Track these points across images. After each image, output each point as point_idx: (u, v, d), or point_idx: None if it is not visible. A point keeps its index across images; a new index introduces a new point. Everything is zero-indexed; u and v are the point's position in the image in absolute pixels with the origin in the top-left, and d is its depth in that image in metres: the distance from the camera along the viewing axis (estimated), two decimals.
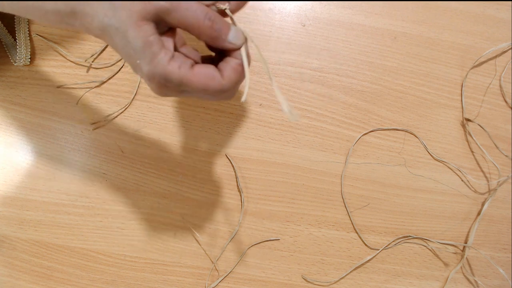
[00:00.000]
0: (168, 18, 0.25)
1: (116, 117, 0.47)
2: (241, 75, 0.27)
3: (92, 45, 0.47)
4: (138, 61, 0.25)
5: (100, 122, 0.46)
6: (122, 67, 0.47)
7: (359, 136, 0.49)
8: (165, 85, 0.26)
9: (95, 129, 0.46)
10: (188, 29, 0.26)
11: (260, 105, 0.48)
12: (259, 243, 0.47)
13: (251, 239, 0.47)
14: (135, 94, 0.47)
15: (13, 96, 0.46)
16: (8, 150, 0.46)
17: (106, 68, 0.47)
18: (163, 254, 0.45)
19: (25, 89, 0.46)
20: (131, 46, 0.25)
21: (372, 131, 0.49)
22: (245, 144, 0.47)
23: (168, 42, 0.26)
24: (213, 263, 0.46)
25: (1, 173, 0.45)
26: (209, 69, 0.26)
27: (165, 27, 0.26)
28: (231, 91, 0.27)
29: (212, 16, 0.26)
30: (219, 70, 0.27)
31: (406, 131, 0.50)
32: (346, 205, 0.48)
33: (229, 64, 0.27)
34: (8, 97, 0.46)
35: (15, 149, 0.46)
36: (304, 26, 0.50)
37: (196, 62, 0.27)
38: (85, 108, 0.46)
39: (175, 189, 0.46)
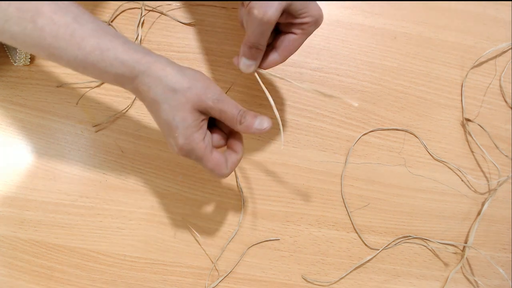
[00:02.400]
0: (211, 112, 0.32)
1: (118, 118, 0.46)
2: (236, 167, 0.36)
3: None
4: (176, 134, 0.31)
5: (102, 124, 0.46)
6: None
7: (359, 136, 0.49)
8: (187, 154, 0.33)
9: (97, 131, 0.46)
10: (225, 121, 0.33)
11: (260, 105, 0.48)
12: (259, 243, 0.47)
13: (251, 239, 0.47)
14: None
15: (13, 96, 0.46)
16: (8, 150, 0.46)
17: None
18: (163, 254, 0.45)
19: (25, 89, 0.46)
20: (176, 123, 0.31)
21: (372, 131, 0.49)
22: (245, 144, 0.47)
23: (205, 123, 0.33)
24: (213, 263, 0.46)
25: (1, 173, 0.45)
26: (221, 158, 0.34)
27: (207, 115, 0.33)
28: (223, 178, 0.36)
29: (244, 113, 0.33)
30: (226, 157, 0.34)
31: (406, 131, 0.50)
32: (346, 205, 0.48)
33: (232, 158, 0.35)
34: (8, 97, 0.46)
35: (15, 149, 0.46)
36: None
37: (217, 146, 0.35)
38: (85, 108, 0.46)
39: (175, 189, 0.46)
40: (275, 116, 0.36)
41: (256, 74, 0.37)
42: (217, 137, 0.36)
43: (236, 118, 0.32)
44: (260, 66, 0.36)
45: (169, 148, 0.33)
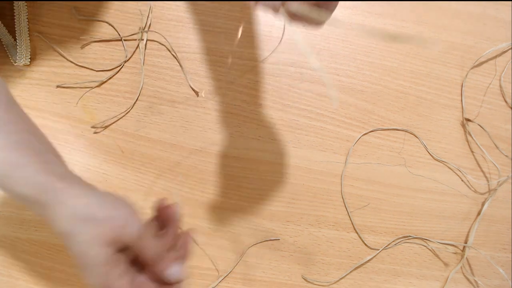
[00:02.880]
0: (129, 246, 0.28)
1: (119, 119, 0.46)
2: None
3: (92, 45, 0.47)
4: (89, 271, 0.27)
5: (100, 123, 0.46)
6: (122, 67, 0.47)
7: (359, 136, 0.49)
8: None
9: (97, 131, 0.46)
10: (143, 257, 0.29)
11: (260, 105, 0.48)
12: (259, 243, 0.47)
13: (251, 239, 0.47)
14: (138, 96, 0.47)
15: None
16: None
17: (106, 68, 0.47)
18: None
19: (25, 89, 0.46)
20: (89, 260, 0.27)
21: (372, 131, 0.49)
22: (245, 144, 0.47)
23: (122, 257, 0.29)
24: (213, 263, 0.46)
25: None
26: None
27: (123, 248, 0.29)
28: None
29: (160, 257, 0.29)
30: None
31: (406, 131, 0.50)
32: (346, 205, 0.48)
33: None
34: None
35: None
36: (304, 26, 0.50)
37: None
38: (85, 108, 0.46)
39: (175, 189, 0.46)
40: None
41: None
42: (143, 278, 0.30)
43: (155, 260, 0.29)
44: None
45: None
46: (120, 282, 0.28)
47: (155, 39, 0.48)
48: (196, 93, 0.47)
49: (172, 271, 0.29)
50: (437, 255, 0.49)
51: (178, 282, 0.30)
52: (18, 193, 0.27)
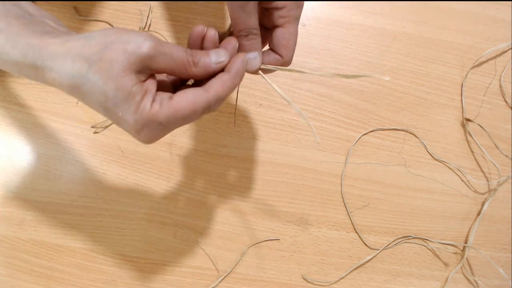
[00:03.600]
0: (153, 65, 0.24)
1: None
2: (227, 89, 0.27)
3: None
4: (120, 114, 0.24)
5: (100, 123, 0.46)
6: None
7: (359, 136, 0.49)
8: (154, 130, 0.25)
9: (97, 131, 0.46)
10: (173, 70, 0.26)
11: (260, 105, 0.48)
12: (259, 243, 0.47)
13: (251, 239, 0.47)
14: None
15: (13, 96, 0.46)
16: (8, 150, 0.46)
17: None
18: (163, 254, 0.45)
19: (25, 89, 0.46)
20: (111, 100, 0.23)
21: (372, 131, 0.49)
22: (245, 144, 0.47)
23: (152, 84, 0.25)
24: (213, 263, 0.46)
25: (1, 173, 0.45)
26: (187, 93, 0.26)
27: (148, 72, 0.25)
28: (217, 104, 0.27)
29: (192, 52, 0.26)
30: (208, 86, 0.27)
31: (406, 131, 0.50)
32: (346, 205, 0.48)
33: (216, 78, 0.27)
34: (8, 97, 0.46)
35: (15, 149, 0.46)
36: (304, 26, 0.50)
37: (175, 87, 0.28)
38: (85, 108, 0.46)
39: (175, 189, 0.46)
40: (294, 114, 0.34)
41: (260, 72, 0.31)
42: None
43: (188, 60, 0.25)
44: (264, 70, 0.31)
45: (132, 136, 0.26)
46: (158, 104, 0.24)
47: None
48: None
49: (215, 54, 0.27)
50: (437, 255, 0.49)
51: (225, 64, 0.27)
52: (6, 61, 0.24)
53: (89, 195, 0.45)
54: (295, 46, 0.31)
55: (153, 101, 0.25)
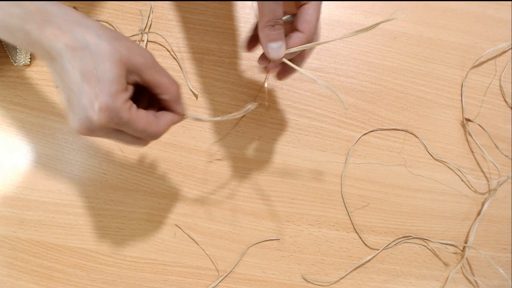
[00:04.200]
0: (143, 73, 0.28)
1: None
2: (170, 127, 0.31)
3: None
4: (97, 89, 0.25)
5: None
6: None
7: (359, 136, 0.49)
8: (109, 118, 0.26)
9: None
10: (158, 86, 0.29)
11: (260, 105, 0.48)
12: (259, 243, 0.47)
13: (251, 239, 0.47)
14: None
15: (13, 96, 0.46)
16: (8, 150, 0.46)
17: None
18: (163, 254, 0.45)
19: (25, 89, 0.46)
20: (99, 75, 0.25)
21: (372, 131, 0.49)
22: (245, 144, 0.47)
23: (131, 89, 0.28)
24: (213, 263, 0.46)
25: (1, 173, 0.45)
26: (150, 115, 0.29)
27: (136, 77, 0.28)
28: (157, 137, 0.31)
29: (177, 82, 0.30)
30: (158, 116, 0.30)
31: (406, 131, 0.50)
32: (346, 205, 0.48)
33: (167, 117, 0.31)
34: (8, 97, 0.46)
35: (15, 149, 0.46)
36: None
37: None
38: None
39: (175, 189, 0.46)
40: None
41: (285, 60, 0.32)
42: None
43: (175, 91, 0.29)
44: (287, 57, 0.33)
45: (73, 122, 0.27)
46: (129, 103, 0.27)
47: (155, 40, 0.48)
48: (196, 96, 0.47)
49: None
50: (437, 255, 0.49)
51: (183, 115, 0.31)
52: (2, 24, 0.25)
53: (89, 195, 0.45)
54: (317, 22, 0.31)
55: (127, 100, 0.27)
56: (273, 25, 0.30)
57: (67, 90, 0.26)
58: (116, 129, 0.28)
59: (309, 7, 0.31)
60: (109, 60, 0.25)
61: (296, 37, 0.32)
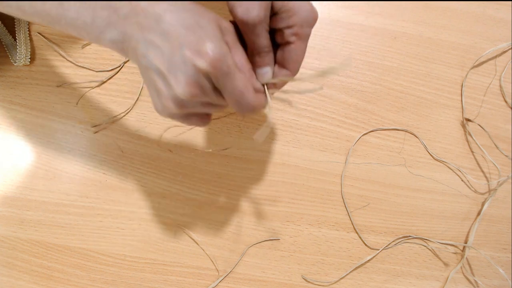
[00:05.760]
0: (226, 36, 0.29)
1: (119, 119, 0.47)
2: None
3: (92, 45, 0.47)
4: (202, 33, 0.25)
5: (101, 125, 0.46)
6: (122, 67, 0.47)
7: (359, 136, 0.49)
8: (218, 66, 0.25)
9: (97, 131, 0.46)
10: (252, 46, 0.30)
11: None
12: (259, 243, 0.47)
13: (251, 239, 0.47)
14: (138, 96, 0.47)
15: (13, 96, 0.46)
16: (8, 150, 0.46)
17: (106, 69, 0.47)
18: (163, 254, 0.45)
19: (25, 89, 0.46)
20: (202, 24, 0.25)
21: (372, 131, 0.49)
22: (245, 144, 0.47)
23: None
24: (213, 263, 0.46)
25: (1, 173, 0.45)
26: (253, 75, 0.31)
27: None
28: (259, 106, 0.30)
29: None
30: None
31: (406, 131, 0.50)
32: (346, 205, 0.48)
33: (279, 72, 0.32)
34: (8, 97, 0.46)
35: (15, 149, 0.46)
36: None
37: None
38: (85, 108, 0.46)
39: (175, 189, 0.46)
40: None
41: (265, 89, 0.33)
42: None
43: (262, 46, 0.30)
44: (270, 85, 0.33)
45: (176, 85, 0.26)
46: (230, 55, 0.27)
47: None
48: None
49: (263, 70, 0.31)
50: (437, 255, 0.49)
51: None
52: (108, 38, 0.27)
53: (89, 195, 0.45)
54: (302, 61, 0.33)
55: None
56: (258, 53, 0.31)
57: (164, 56, 0.25)
58: (206, 102, 0.28)
59: (295, 48, 0.31)
60: (208, 15, 0.26)
61: (282, 75, 0.33)
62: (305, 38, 0.31)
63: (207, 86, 0.26)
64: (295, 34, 0.30)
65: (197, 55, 0.25)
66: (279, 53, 0.32)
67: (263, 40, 0.30)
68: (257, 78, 0.32)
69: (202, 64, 0.25)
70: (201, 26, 0.25)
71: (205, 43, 0.25)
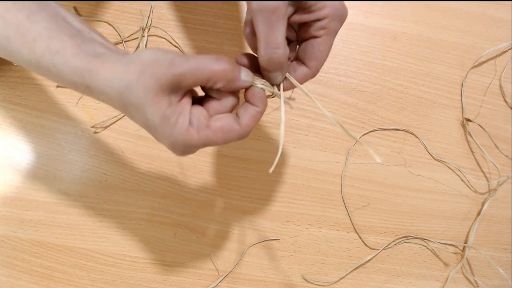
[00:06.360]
0: (183, 82, 0.25)
1: (119, 119, 0.47)
2: (257, 121, 0.29)
3: None
4: (158, 135, 0.26)
5: (100, 123, 0.46)
6: None
7: (359, 136, 0.49)
8: (188, 151, 0.27)
9: (97, 131, 0.46)
10: (205, 82, 0.26)
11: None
12: (259, 243, 0.47)
13: (251, 239, 0.47)
14: None
15: (13, 96, 0.46)
16: (8, 150, 0.46)
17: None
18: (163, 254, 0.45)
19: (25, 89, 0.46)
20: (151, 123, 0.25)
21: (372, 131, 0.49)
22: (245, 144, 0.47)
23: (186, 103, 0.26)
24: (213, 263, 0.46)
25: (1, 173, 0.45)
26: (225, 120, 0.27)
27: (182, 90, 0.26)
28: (247, 135, 0.29)
29: (221, 59, 0.26)
30: (238, 116, 0.28)
31: (406, 131, 0.50)
32: (346, 205, 0.48)
33: (248, 112, 0.28)
34: (8, 97, 0.46)
35: (15, 149, 0.46)
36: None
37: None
38: (85, 108, 0.46)
39: (175, 189, 0.46)
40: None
41: (280, 88, 0.30)
42: (215, 105, 0.28)
43: (217, 67, 0.25)
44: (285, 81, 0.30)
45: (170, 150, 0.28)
46: (192, 128, 0.26)
47: (156, 34, 0.48)
48: None
49: (244, 72, 0.27)
50: (437, 255, 0.49)
51: (251, 84, 0.28)
52: (69, 82, 0.26)
53: (89, 195, 0.45)
54: (325, 61, 0.30)
55: (189, 122, 0.26)
56: (271, 56, 0.27)
57: (141, 124, 0.27)
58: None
59: (321, 43, 0.28)
60: (147, 106, 0.25)
61: (301, 71, 0.30)
62: (333, 33, 0.28)
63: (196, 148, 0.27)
64: (324, 28, 0.27)
65: (171, 149, 0.27)
66: (301, 47, 0.29)
67: (277, 35, 0.26)
68: (269, 79, 0.30)
69: (177, 153, 0.27)
70: (152, 126, 0.26)
71: (164, 143, 0.26)
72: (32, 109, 0.46)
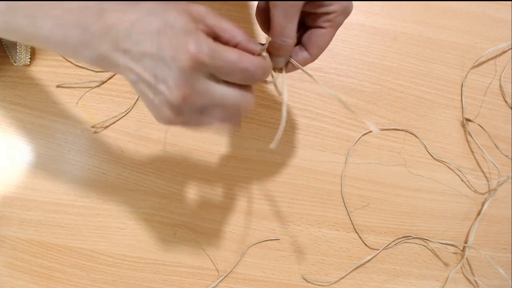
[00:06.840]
0: (206, 19, 0.26)
1: (119, 119, 0.47)
2: (259, 69, 0.28)
3: None
4: (174, 39, 0.24)
5: (100, 123, 0.46)
6: None
7: (359, 136, 0.49)
8: (200, 56, 0.25)
9: (97, 131, 0.46)
10: (224, 30, 0.27)
11: (260, 105, 0.48)
12: (259, 243, 0.47)
13: (251, 239, 0.47)
14: (138, 96, 0.47)
15: (13, 96, 0.46)
16: (8, 150, 0.46)
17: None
18: (163, 254, 0.45)
19: (25, 89, 0.46)
20: (171, 23, 0.24)
21: (372, 131, 0.49)
22: (245, 144, 0.47)
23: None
24: (213, 263, 0.46)
25: (1, 173, 0.45)
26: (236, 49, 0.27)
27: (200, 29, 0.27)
28: (254, 80, 0.28)
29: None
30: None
31: (406, 131, 0.50)
32: (346, 205, 0.48)
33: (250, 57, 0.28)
34: (8, 97, 0.46)
35: (15, 149, 0.46)
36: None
37: None
38: (85, 108, 0.46)
39: (175, 189, 0.46)
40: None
41: (283, 72, 0.32)
42: None
43: (242, 33, 0.27)
44: (288, 65, 0.33)
45: (165, 87, 0.25)
46: (210, 39, 0.25)
47: None
48: None
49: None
50: (437, 255, 0.49)
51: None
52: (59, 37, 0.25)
53: (89, 195, 0.45)
54: (325, 49, 0.32)
55: (202, 40, 0.25)
56: (280, 43, 0.29)
57: (146, 68, 0.25)
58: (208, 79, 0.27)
59: (325, 34, 0.31)
60: (173, 8, 0.25)
61: (302, 56, 0.32)
62: (337, 26, 0.32)
63: (199, 82, 0.26)
64: (330, 21, 0.30)
65: (176, 55, 0.24)
66: (306, 35, 0.32)
67: (293, 27, 0.29)
68: (273, 62, 0.31)
69: (184, 61, 0.24)
70: (171, 25, 0.24)
71: (180, 40, 0.24)
72: (32, 109, 0.46)
